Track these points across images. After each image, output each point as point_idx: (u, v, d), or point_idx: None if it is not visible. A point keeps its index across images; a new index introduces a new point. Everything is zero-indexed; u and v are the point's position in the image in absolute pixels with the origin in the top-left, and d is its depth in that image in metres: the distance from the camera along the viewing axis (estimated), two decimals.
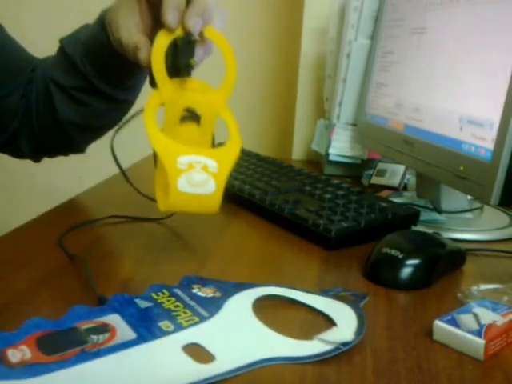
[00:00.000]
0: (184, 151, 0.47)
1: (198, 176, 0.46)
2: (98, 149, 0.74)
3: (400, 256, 0.52)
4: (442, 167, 0.67)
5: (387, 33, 0.86)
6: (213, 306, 0.45)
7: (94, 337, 0.39)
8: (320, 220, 0.62)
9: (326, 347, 0.40)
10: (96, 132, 0.73)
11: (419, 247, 0.55)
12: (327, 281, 0.53)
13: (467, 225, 0.70)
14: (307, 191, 0.73)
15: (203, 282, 0.49)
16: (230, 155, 0.49)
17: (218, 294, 0.47)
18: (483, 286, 0.51)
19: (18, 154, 0.73)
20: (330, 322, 0.44)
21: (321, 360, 0.39)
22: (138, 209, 0.66)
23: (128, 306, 0.44)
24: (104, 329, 0.40)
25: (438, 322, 0.42)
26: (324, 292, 0.49)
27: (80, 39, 0.65)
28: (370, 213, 0.64)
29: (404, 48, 0.80)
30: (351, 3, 0.92)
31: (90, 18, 0.65)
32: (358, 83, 0.93)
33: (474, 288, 0.50)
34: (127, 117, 0.53)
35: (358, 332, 0.42)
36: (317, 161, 1.06)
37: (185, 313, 0.44)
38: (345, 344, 0.40)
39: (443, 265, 0.55)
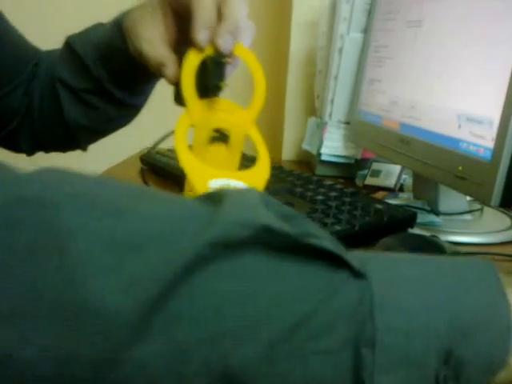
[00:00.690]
0: (215, 175, 0.47)
1: None
2: (98, 149, 0.74)
3: None
4: (439, 167, 0.65)
5: (381, 26, 0.84)
6: None
7: None
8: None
9: None
10: (101, 134, 0.72)
11: (416, 251, 0.52)
12: None
13: (466, 227, 0.69)
14: (298, 193, 0.71)
15: None
16: (260, 177, 0.50)
17: None
18: None
19: (15, 149, 0.72)
20: None
21: None
22: None
23: None
24: None
25: None
26: None
27: (92, 41, 0.63)
28: (364, 215, 0.63)
29: (399, 42, 0.78)
30: None
31: (90, 16, 0.65)
32: (351, 79, 0.92)
33: None
34: (159, 138, 0.55)
35: None
36: (308, 161, 1.05)
37: None
38: None
39: None
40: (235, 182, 0.48)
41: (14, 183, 0.25)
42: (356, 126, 0.90)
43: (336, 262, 0.26)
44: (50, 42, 0.69)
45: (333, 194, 0.70)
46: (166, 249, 0.24)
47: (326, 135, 0.94)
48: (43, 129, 0.69)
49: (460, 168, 0.61)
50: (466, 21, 0.64)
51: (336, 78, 0.93)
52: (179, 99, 0.49)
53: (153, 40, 0.53)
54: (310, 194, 0.70)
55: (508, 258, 0.60)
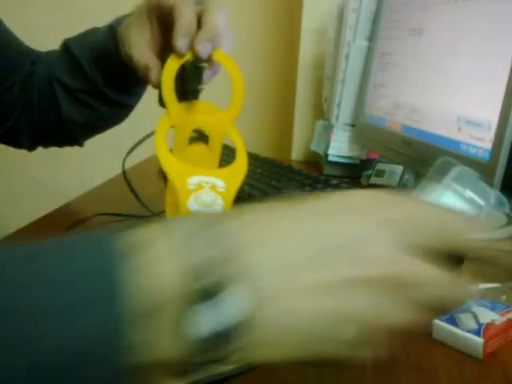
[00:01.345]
0: (193, 172, 0.49)
1: (206, 196, 0.48)
2: (98, 149, 0.74)
3: None
4: None
5: (385, 34, 0.86)
6: None
7: None
8: None
9: None
10: (97, 131, 0.73)
11: None
12: None
13: None
14: (307, 191, 0.72)
15: None
16: (237, 175, 0.51)
17: None
18: (481, 286, 0.51)
19: (15, 145, 0.73)
20: None
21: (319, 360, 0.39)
22: (138, 209, 0.66)
23: None
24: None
25: (437, 321, 0.43)
26: None
27: (88, 43, 0.65)
28: None
29: (402, 49, 0.80)
30: (350, 4, 0.92)
31: (87, 18, 0.65)
32: (357, 84, 0.93)
33: (473, 287, 0.51)
34: (139, 139, 0.55)
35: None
36: (316, 161, 1.06)
37: None
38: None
39: (441, 264, 0.55)
40: (212, 179, 0.49)
41: None
42: (361, 129, 0.91)
43: None
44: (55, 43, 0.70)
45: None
46: None
47: (333, 137, 0.96)
48: (42, 125, 0.70)
49: None
50: (464, 28, 0.66)
51: (343, 82, 0.95)
52: (163, 102, 0.51)
53: (140, 46, 0.54)
54: (317, 192, 0.72)
55: (505, 254, 0.62)
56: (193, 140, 0.52)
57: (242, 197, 0.73)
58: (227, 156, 0.54)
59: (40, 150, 0.75)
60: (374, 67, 0.88)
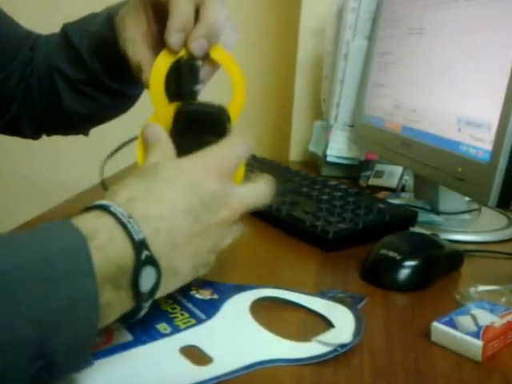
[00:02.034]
0: None
1: None
2: (96, 150, 0.74)
3: (398, 257, 0.52)
4: (439, 168, 0.67)
5: (385, 33, 0.86)
6: (210, 308, 0.45)
7: None
8: (317, 221, 0.62)
9: (324, 349, 0.40)
10: (101, 121, 0.71)
11: (417, 249, 0.55)
12: (325, 282, 0.53)
13: (465, 226, 0.70)
14: (304, 192, 0.73)
15: (201, 283, 0.49)
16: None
17: (215, 296, 0.47)
18: (481, 288, 0.51)
19: (18, 134, 0.71)
20: (327, 324, 0.44)
21: (318, 362, 0.39)
22: None
23: None
24: (100, 331, 0.40)
25: (435, 324, 0.42)
26: (322, 294, 0.49)
27: (87, 32, 0.62)
28: (367, 214, 0.64)
29: (401, 49, 0.80)
30: (349, 4, 0.92)
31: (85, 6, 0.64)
32: (356, 84, 0.93)
33: (472, 289, 0.50)
34: (120, 143, 0.50)
35: (356, 334, 0.42)
36: (314, 162, 1.06)
37: (182, 315, 0.44)
38: (343, 346, 0.40)
39: (441, 266, 0.55)
40: None
41: None
42: (360, 129, 0.91)
43: None
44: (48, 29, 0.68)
45: (337, 193, 0.71)
46: None
47: (332, 137, 0.96)
48: (44, 115, 0.68)
49: (459, 169, 0.62)
50: (464, 28, 0.65)
51: (342, 82, 0.95)
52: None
53: (135, 40, 0.51)
54: (315, 193, 0.71)
55: (505, 256, 0.62)
56: None
57: None
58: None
59: (35, 147, 0.74)
60: (373, 67, 0.88)
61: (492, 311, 0.43)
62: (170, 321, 0.43)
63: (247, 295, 0.48)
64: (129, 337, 0.40)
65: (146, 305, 0.36)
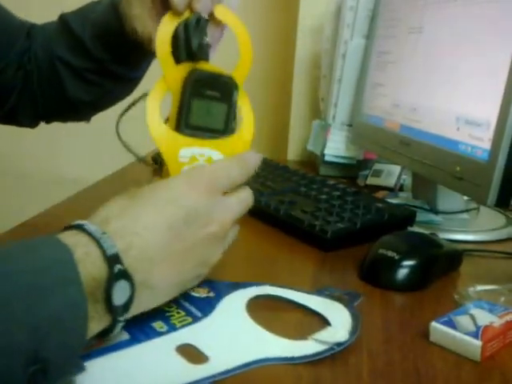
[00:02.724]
0: (186, 143, 0.44)
1: None
2: (96, 148, 0.73)
3: (396, 257, 0.52)
4: (438, 167, 0.67)
5: (383, 32, 0.86)
6: (206, 306, 0.45)
7: None
8: (316, 221, 0.62)
9: (321, 347, 0.40)
10: (104, 107, 0.71)
11: (415, 248, 0.54)
12: (323, 282, 0.53)
13: (464, 225, 0.70)
14: (303, 192, 0.72)
15: None
16: (238, 146, 0.46)
17: (211, 295, 0.47)
18: (480, 287, 0.51)
19: (16, 123, 0.71)
20: (324, 322, 0.44)
21: (316, 361, 0.39)
22: None
23: None
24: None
25: (434, 324, 0.42)
26: (318, 292, 0.49)
27: (89, 19, 0.62)
28: (366, 214, 0.64)
29: (400, 48, 0.80)
30: (347, 2, 0.92)
31: None
32: (354, 83, 0.93)
33: (471, 289, 0.50)
34: (131, 102, 0.49)
35: (353, 332, 0.42)
36: (312, 161, 1.05)
37: (178, 313, 0.44)
38: (339, 344, 0.40)
39: (440, 266, 0.54)
40: (208, 150, 0.45)
41: None
42: (359, 128, 0.91)
43: None
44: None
45: (336, 193, 0.71)
46: None
47: (330, 137, 0.96)
48: (46, 103, 0.68)
49: (458, 169, 0.62)
50: (464, 28, 0.65)
51: (340, 81, 0.94)
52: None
53: (142, 17, 0.52)
54: (314, 193, 0.71)
55: (504, 255, 0.62)
56: None
57: None
58: None
59: (32, 143, 0.73)
60: (371, 66, 0.88)
61: (491, 311, 0.43)
62: (166, 319, 0.43)
63: (243, 293, 0.48)
64: (125, 335, 0.40)
65: (122, 319, 0.36)
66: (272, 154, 1.17)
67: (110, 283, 0.35)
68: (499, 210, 0.76)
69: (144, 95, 0.46)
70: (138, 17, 0.53)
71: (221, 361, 0.38)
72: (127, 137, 0.50)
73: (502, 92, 0.57)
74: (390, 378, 0.38)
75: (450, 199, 0.73)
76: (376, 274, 0.53)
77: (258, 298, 0.47)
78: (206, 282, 0.49)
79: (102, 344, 0.38)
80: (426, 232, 0.62)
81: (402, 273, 0.51)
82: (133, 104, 0.49)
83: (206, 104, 0.45)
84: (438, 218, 0.71)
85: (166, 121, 0.46)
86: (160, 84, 0.45)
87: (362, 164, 0.96)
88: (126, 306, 0.36)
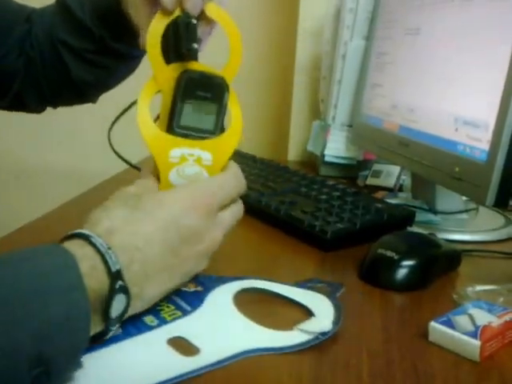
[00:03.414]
0: (176, 144, 0.45)
1: (190, 169, 0.46)
2: (97, 151, 0.73)
3: (395, 257, 0.52)
4: (437, 168, 0.67)
5: (382, 34, 0.86)
6: (195, 300, 0.46)
7: None
8: (316, 221, 0.62)
9: (306, 337, 0.41)
10: (109, 87, 0.71)
11: (415, 248, 0.55)
12: None
13: (462, 226, 0.71)
14: (303, 192, 0.73)
15: None
16: (226, 146, 0.47)
17: (199, 288, 0.48)
18: (479, 287, 0.51)
19: (23, 109, 0.71)
20: (308, 313, 0.45)
21: (316, 361, 0.39)
22: None
23: None
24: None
25: (433, 324, 0.42)
26: (301, 284, 0.50)
27: (90, 2, 0.62)
28: (365, 214, 0.64)
29: (398, 49, 0.80)
30: (347, 4, 0.92)
31: None
32: (354, 84, 0.93)
33: (470, 289, 0.51)
34: (125, 107, 0.50)
35: (336, 322, 0.43)
36: (312, 162, 1.06)
37: (168, 307, 0.44)
38: (323, 334, 0.41)
39: (439, 266, 0.55)
40: (198, 151, 0.46)
41: None
42: (358, 129, 0.91)
43: None
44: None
45: (336, 193, 0.72)
46: None
47: (330, 137, 0.96)
48: (50, 86, 0.67)
49: (456, 169, 0.62)
50: (461, 28, 0.66)
51: (339, 83, 0.95)
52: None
53: (136, 4, 0.52)
54: (314, 193, 0.71)
55: (502, 256, 0.62)
56: None
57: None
58: None
59: (29, 140, 0.73)
60: (370, 67, 0.88)
61: (490, 311, 0.44)
62: (156, 313, 0.43)
63: (230, 287, 0.49)
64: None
65: (113, 329, 0.38)
66: (272, 154, 1.18)
67: (110, 297, 0.36)
68: (498, 210, 0.76)
69: (133, 103, 0.47)
70: (132, 4, 0.53)
71: (211, 352, 0.39)
72: (124, 142, 0.51)
73: (500, 93, 0.57)
74: (389, 378, 0.38)
75: (449, 199, 0.73)
76: (375, 274, 0.53)
77: (244, 291, 0.49)
78: (194, 277, 0.49)
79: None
80: (425, 232, 0.62)
81: (402, 273, 0.52)
82: (125, 111, 0.50)
83: (197, 105, 0.46)
84: (437, 219, 0.71)
85: (156, 119, 0.46)
86: (150, 84, 0.46)
87: (362, 164, 0.96)
88: (120, 316, 0.38)
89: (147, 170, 0.47)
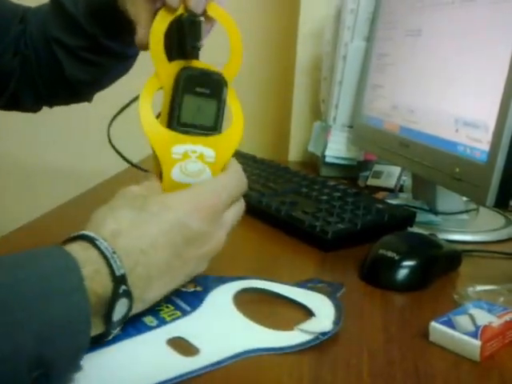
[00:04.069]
0: (179, 140, 0.45)
1: (192, 166, 0.46)
2: (96, 151, 0.73)
3: (396, 257, 0.53)
4: (437, 169, 0.67)
5: (383, 35, 0.86)
6: (194, 300, 0.46)
7: None
8: (316, 222, 0.62)
9: (306, 337, 0.41)
10: (103, 86, 0.71)
11: (415, 249, 0.55)
12: None
13: (463, 226, 0.71)
14: (304, 193, 0.73)
15: None
16: (229, 144, 0.47)
17: (198, 289, 0.48)
18: (479, 287, 0.51)
19: (18, 109, 0.71)
20: (308, 313, 0.45)
21: (316, 361, 0.39)
22: None
23: None
24: None
25: (434, 324, 0.42)
26: (302, 284, 0.50)
27: None
28: (366, 214, 0.65)
29: (399, 50, 0.80)
30: (347, 5, 0.92)
31: None
32: (354, 85, 0.93)
33: (470, 289, 0.51)
34: (124, 104, 0.50)
35: (336, 322, 0.43)
36: (313, 162, 1.06)
37: (167, 307, 0.45)
38: (324, 334, 0.41)
39: (439, 266, 0.55)
40: (200, 147, 0.46)
41: None
42: (359, 130, 0.91)
43: None
44: None
45: (336, 194, 0.72)
46: None
47: (331, 138, 0.96)
48: (45, 87, 0.67)
49: (457, 170, 0.62)
50: (462, 30, 0.66)
51: (340, 83, 0.95)
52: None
53: (135, 1, 0.51)
54: (314, 194, 0.72)
55: (503, 256, 0.62)
56: None
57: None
58: None
59: (28, 140, 0.72)
60: (371, 68, 0.88)
61: (490, 311, 0.44)
62: (155, 313, 0.43)
63: (229, 287, 0.49)
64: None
65: (114, 332, 0.38)
66: (273, 155, 1.18)
67: (113, 301, 0.36)
68: (498, 210, 0.77)
69: (134, 99, 0.47)
70: (130, 0, 0.51)
71: (211, 352, 0.39)
72: (123, 141, 0.51)
73: (501, 94, 0.57)
74: (389, 378, 0.38)
75: (450, 200, 0.73)
76: (376, 274, 0.53)
77: (244, 291, 0.49)
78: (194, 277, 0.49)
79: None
80: (426, 233, 0.62)
81: (402, 273, 0.52)
82: (125, 107, 0.50)
83: (196, 101, 0.46)
84: (437, 219, 0.71)
85: (158, 116, 0.46)
86: (152, 80, 0.46)
87: (363, 165, 0.96)
88: (122, 319, 0.38)
89: (150, 173, 0.47)
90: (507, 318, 0.43)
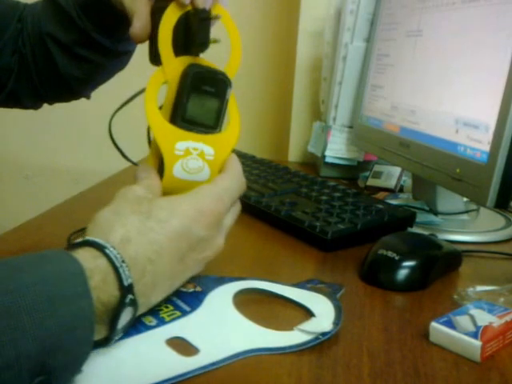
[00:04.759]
0: (182, 137, 0.46)
1: (193, 163, 0.46)
2: (94, 150, 0.73)
3: (396, 258, 0.52)
4: (437, 169, 0.67)
5: (383, 36, 0.86)
6: (194, 300, 0.46)
7: None
8: (316, 222, 0.62)
9: (306, 337, 0.41)
10: (99, 82, 0.71)
11: (415, 249, 0.55)
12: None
13: (463, 226, 0.71)
14: (303, 193, 0.73)
15: None
16: (228, 143, 0.48)
17: (198, 289, 0.48)
18: (479, 288, 0.51)
19: (18, 106, 0.71)
20: (308, 314, 0.45)
21: (316, 361, 0.39)
22: None
23: None
24: None
25: (434, 324, 0.42)
26: (301, 284, 0.50)
27: None
28: (366, 214, 0.65)
29: (399, 51, 0.80)
30: (347, 6, 0.92)
31: None
32: (354, 86, 0.94)
33: (470, 289, 0.51)
34: (128, 97, 0.50)
35: (336, 322, 0.43)
36: (313, 163, 1.06)
37: (166, 307, 0.45)
38: (324, 334, 0.41)
39: (439, 266, 0.55)
40: (201, 145, 0.47)
41: None
42: (359, 130, 0.91)
43: None
44: None
45: (336, 194, 0.72)
46: None
47: (330, 138, 0.96)
48: (42, 84, 0.67)
49: (457, 170, 0.62)
50: (462, 30, 0.66)
51: (340, 84, 0.95)
52: (154, 58, 0.48)
53: None
54: (314, 194, 0.72)
55: (503, 256, 0.62)
56: None
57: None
58: None
59: (31, 140, 0.73)
60: (371, 69, 0.88)
61: (490, 311, 0.44)
62: (155, 313, 0.43)
63: (229, 287, 0.49)
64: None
65: (117, 338, 0.38)
66: (273, 155, 1.18)
67: (119, 310, 0.36)
68: (498, 211, 0.77)
69: (137, 94, 0.48)
70: None
71: (211, 352, 0.39)
72: (122, 142, 0.52)
73: (501, 95, 0.57)
74: (389, 379, 0.38)
75: (450, 200, 0.73)
76: (376, 275, 0.53)
77: (243, 291, 0.49)
78: (193, 277, 0.49)
79: None
80: (426, 233, 0.62)
81: (402, 273, 0.52)
82: (126, 102, 0.50)
83: (202, 99, 0.47)
84: (437, 219, 0.71)
85: (159, 109, 0.47)
86: (158, 74, 0.46)
87: (363, 165, 0.96)
88: (126, 326, 0.38)
89: (146, 165, 0.46)
90: (507, 318, 0.43)
